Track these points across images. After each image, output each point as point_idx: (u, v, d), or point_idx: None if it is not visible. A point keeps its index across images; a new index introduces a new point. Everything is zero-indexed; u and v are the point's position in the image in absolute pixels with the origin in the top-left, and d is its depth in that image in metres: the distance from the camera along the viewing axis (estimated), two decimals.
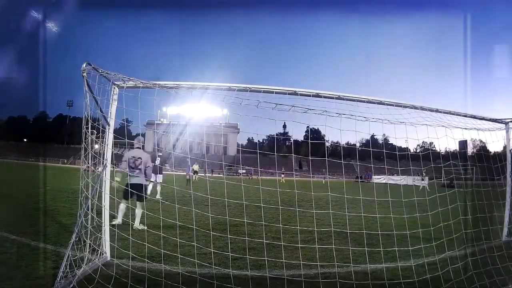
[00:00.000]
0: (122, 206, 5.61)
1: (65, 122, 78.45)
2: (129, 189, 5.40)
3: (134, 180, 5.57)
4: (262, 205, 5.33)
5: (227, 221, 4.55)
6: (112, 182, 4.16)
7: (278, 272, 3.64)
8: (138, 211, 5.67)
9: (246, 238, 4.32)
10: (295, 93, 3.75)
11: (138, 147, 5.93)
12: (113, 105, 3.84)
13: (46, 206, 7.56)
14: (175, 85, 3.79)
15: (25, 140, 73.94)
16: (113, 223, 4.93)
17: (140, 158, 5.72)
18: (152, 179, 8.96)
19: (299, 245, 4.20)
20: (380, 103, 3.91)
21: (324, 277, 3.57)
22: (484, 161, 5.37)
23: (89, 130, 3.53)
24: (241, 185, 4.39)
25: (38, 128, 75.28)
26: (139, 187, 5.41)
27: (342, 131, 3.95)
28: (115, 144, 3.94)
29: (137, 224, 5.60)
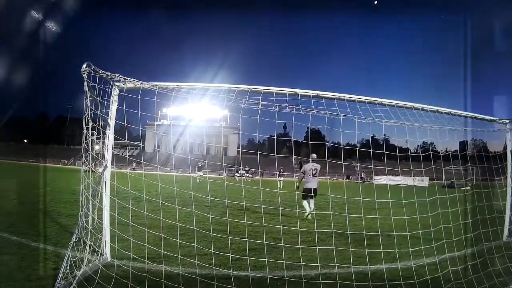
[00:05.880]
0: (306, 202, 7.74)
1: (65, 123, 78.52)
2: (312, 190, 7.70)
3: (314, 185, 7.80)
4: (262, 206, 5.33)
5: (228, 222, 4.56)
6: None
7: (279, 273, 3.64)
8: (312, 206, 7.73)
9: (247, 239, 4.32)
10: (295, 94, 3.75)
11: (313, 161, 7.97)
12: (114, 106, 3.84)
13: (46, 207, 7.56)
14: (176, 86, 3.79)
15: (25, 141, 74.02)
16: (306, 216, 7.54)
17: (316, 168, 7.88)
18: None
19: (300, 246, 4.20)
20: (381, 103, 3.91)
21: (325, 278, 3.57)
22: (484, 162, 5.36)
23: (90, 131, 3.53)
24: (241, 186, 4.39)
25: (38, 129, 75.31)
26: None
27: (343, 132, 3.96)
28: (115, 145, 3.95)
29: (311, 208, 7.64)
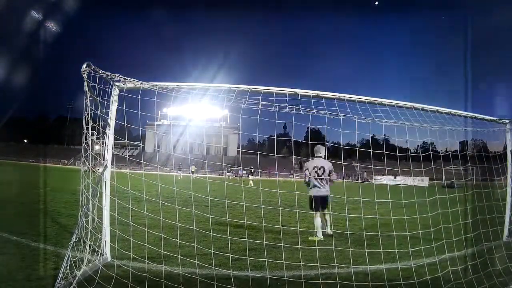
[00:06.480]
0: (319, 220, 5.56)
1: (65, 123, 78.56)
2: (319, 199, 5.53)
3: (322, 192, 5.59)
4: (262, 206, 5.32)
5: (227, 222, 4.57)
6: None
7: (279, 273, 3.64)
8: (328, 217, 5.82)
9: (247, 239, 4.32)
10: (295, 94, 3.75)
11: (319, 156, 5.87)
12: (113, 106, 3.85)
13: (46, 207, 7.56)
14: (176, 86, 3.79)
15: (25, 141, 74.04)
16: (314, 239, 5.30)
17: (323, 167, 5.67)
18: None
19: (300, 246, 4.20)
20: (381, 103, 3.91)
21: (325, 278, 3.57)
22: (484, 162, 5.36)
23: (89, 131, 3.53)
24: (241, 186, 4.39)
25: (38, 129, 75.33)
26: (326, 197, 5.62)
27: (343, 132, 3.96)
28: (115, 145, 3.95)
29: (329, 230, 5.79)
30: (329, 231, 5.77)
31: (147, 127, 61.99)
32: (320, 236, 5.48)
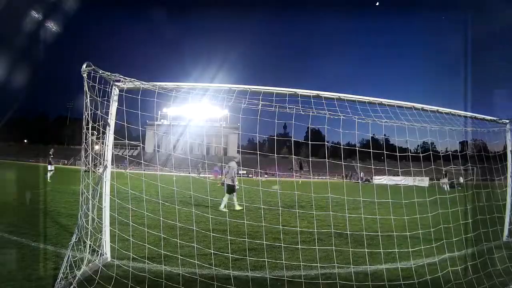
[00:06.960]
0: (227, 198, 8.67)
1: (65, 123, 78.55)
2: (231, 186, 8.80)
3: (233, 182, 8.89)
4: (262, 206, 5.33)
5: (227, 222, 4.57)
6: None
7: (279, 273, 3.64)
8: (225, 199, 8.63)
9: (247, 239, 4.32)
10: (295, 94, 3.75)
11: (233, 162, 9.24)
12: (114, 106, 3.84)
13: (46, 207, 7.56)
14: (176, 86, 3.79)
15: (25, 141, 74.05)
16: (237, 208, 8.40)
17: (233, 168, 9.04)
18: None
19: (299, 246, 4.20)
20: (381, 103, 3.91)
21: (325, 278, 3.57)
22: (484, 162, 5.36)
23: (89, 131, 3.53)
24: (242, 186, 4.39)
25: (38, 129, 75.34)
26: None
27: (343, 132, 3.96)
28: (115, 145, 3.94)
29: (237, 205, 8.67)
30: (237, 206, 8.59)
31: (147, 127, 61.93)
32: (224, 208, 8.36)
